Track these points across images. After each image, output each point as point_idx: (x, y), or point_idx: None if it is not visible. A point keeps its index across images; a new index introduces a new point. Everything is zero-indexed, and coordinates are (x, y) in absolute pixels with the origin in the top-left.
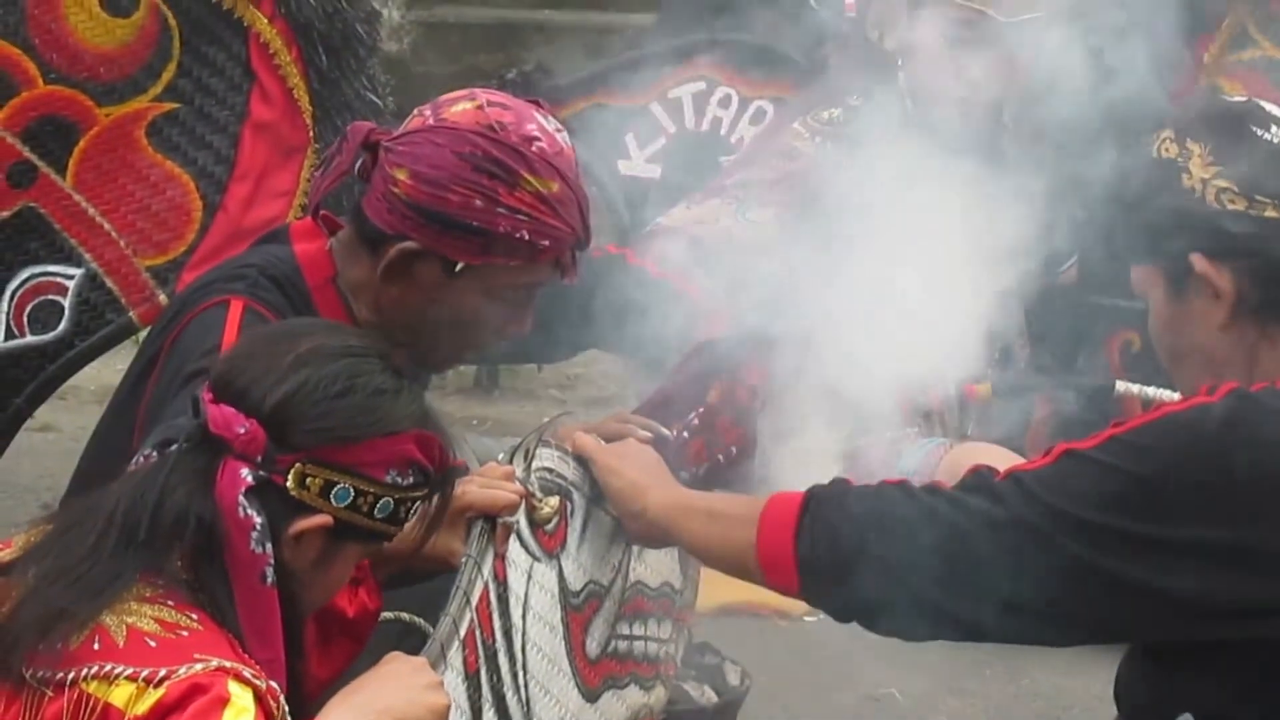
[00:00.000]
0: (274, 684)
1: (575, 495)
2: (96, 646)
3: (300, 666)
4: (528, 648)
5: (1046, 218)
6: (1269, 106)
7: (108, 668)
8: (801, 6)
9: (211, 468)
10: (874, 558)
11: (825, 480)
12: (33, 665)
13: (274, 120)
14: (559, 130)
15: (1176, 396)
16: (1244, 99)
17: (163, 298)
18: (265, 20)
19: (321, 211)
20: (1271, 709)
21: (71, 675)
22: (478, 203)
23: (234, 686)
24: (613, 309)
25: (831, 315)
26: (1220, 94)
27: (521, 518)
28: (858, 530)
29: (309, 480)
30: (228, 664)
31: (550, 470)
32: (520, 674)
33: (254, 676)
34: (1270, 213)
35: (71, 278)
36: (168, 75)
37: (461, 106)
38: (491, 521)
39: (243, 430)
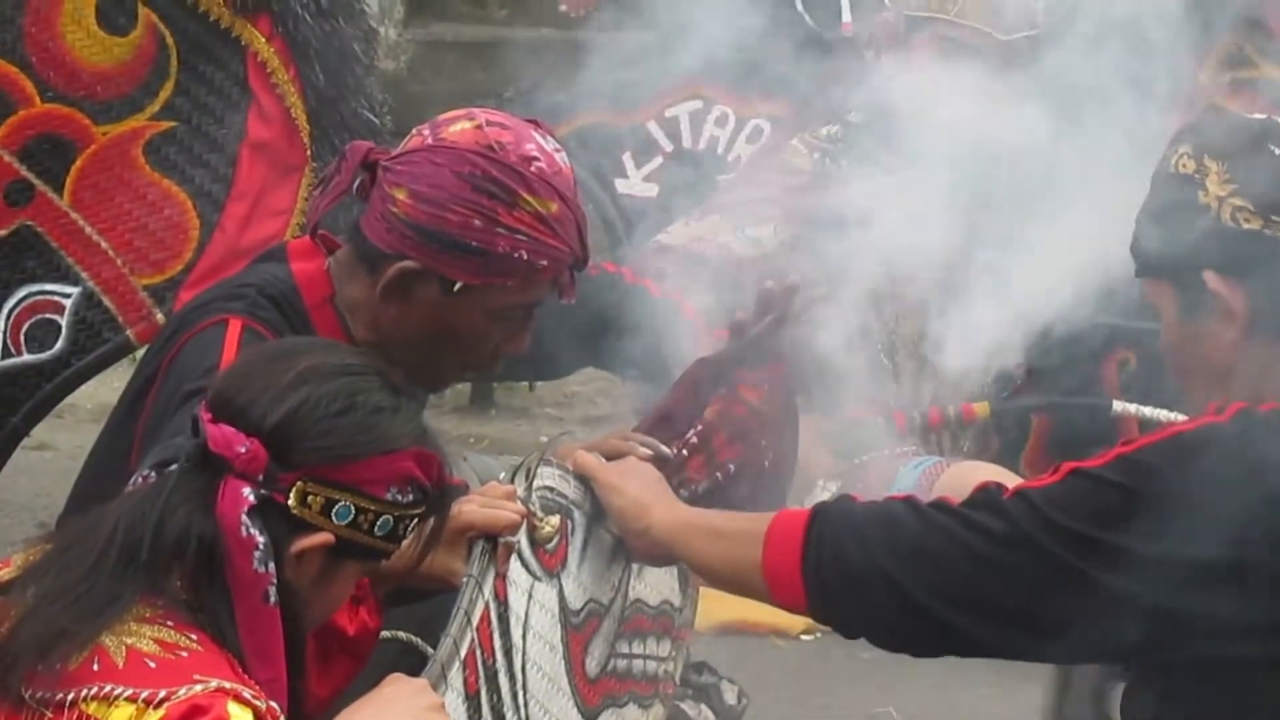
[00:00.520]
0: (274, 704)
1: (576, 514)
2: (96, 667)
3: (301, 686)
4: (528, 667)
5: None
6: None
7: (107, 688)
8: (798, 25)
9: (212, 487)
10: (881, 574)
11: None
12: (32, 686)
13: (271, 139)
14: (558, 150)
15: (1173, 416)
16: (1263, 116)
17: (160, 316)
18: (263, 39)
19: (320, 231)
20: None
21: (71, 696)
22: (477, 222)
23: (233, 707)
24: (612, 327)
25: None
26: (1238, 111)
27: (523, 537)
28: (865, 547)
29: (310, 498)
30: (227, 685)
31: (551, 489)
32: (520, 694)
33: (254, 697)
34: None
35: (69, 296)
36: (165, 94)
37: (460, 126)
38: (493, 541)
39: (244, 449)
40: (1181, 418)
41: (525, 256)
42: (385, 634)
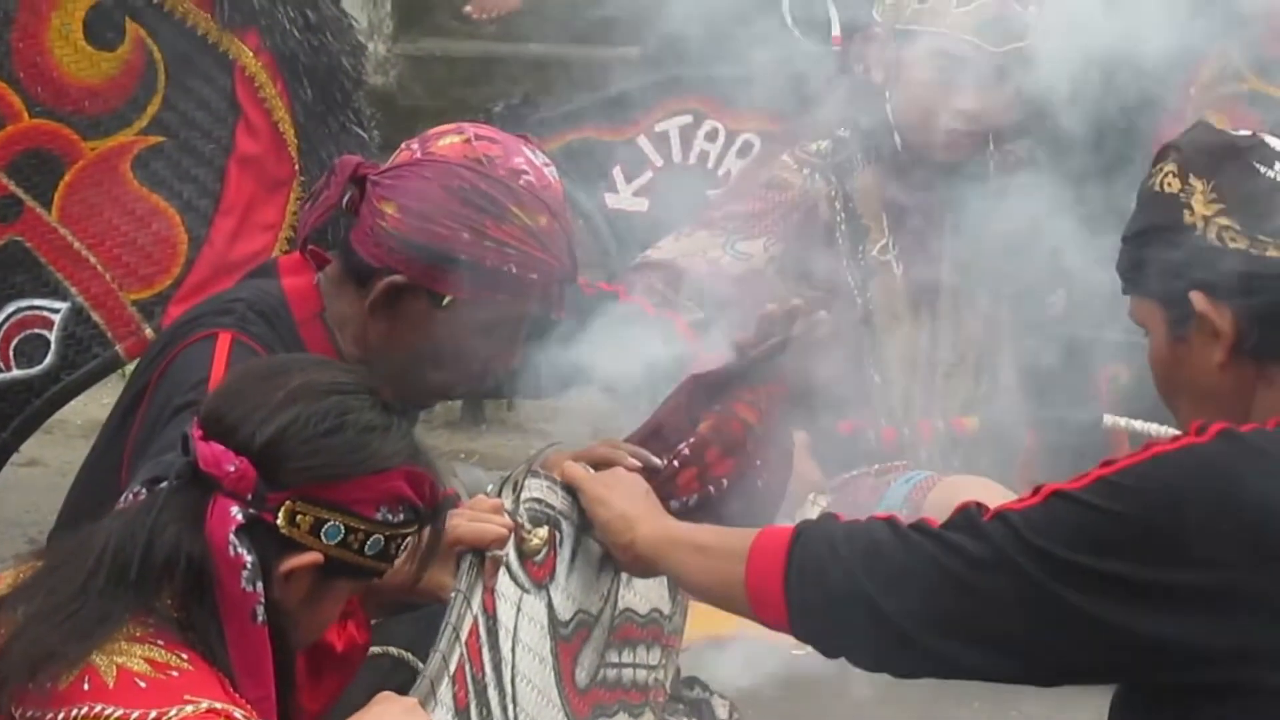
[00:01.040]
0: None
1: (564, 524)
2: (86, 687)
3: (291, 704)
4: (517, 680)
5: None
6: (1273, 142)
7: (98, 709)
8: (788, 39)
9: (201, 505)
10: (862, 595)
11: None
12: (22, 705)
13: (259, 154)
14: (547, 164)
15: (1164, 430)
16: (1249, 134)
17: (149, 332)
18: (250, 54)
19: (309, 246)
20: None
21: (61, 715)
22: (465, 236)
23: None
24: (605, 346)
25: None
26: (1223, 128)
27: (511, 550)
28: (846, 568)
29: (299, 518)
30: (218, 705)
31: (539, 500)
32: (510, 707)
33: (244, 717)
34: (1272, 252)
35: (57, 312)
36: (153, 109)
37: (449, 140)
38: (480, 555)
39: (233, 468)
40: (1172, 432)
41: (514, 270)
42: (375, 649)
